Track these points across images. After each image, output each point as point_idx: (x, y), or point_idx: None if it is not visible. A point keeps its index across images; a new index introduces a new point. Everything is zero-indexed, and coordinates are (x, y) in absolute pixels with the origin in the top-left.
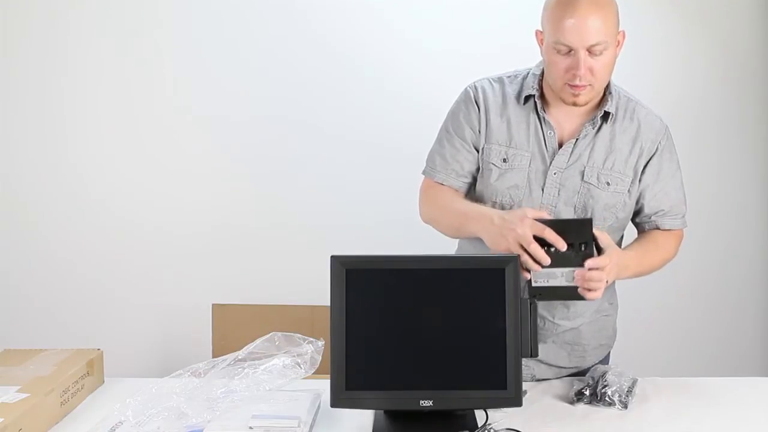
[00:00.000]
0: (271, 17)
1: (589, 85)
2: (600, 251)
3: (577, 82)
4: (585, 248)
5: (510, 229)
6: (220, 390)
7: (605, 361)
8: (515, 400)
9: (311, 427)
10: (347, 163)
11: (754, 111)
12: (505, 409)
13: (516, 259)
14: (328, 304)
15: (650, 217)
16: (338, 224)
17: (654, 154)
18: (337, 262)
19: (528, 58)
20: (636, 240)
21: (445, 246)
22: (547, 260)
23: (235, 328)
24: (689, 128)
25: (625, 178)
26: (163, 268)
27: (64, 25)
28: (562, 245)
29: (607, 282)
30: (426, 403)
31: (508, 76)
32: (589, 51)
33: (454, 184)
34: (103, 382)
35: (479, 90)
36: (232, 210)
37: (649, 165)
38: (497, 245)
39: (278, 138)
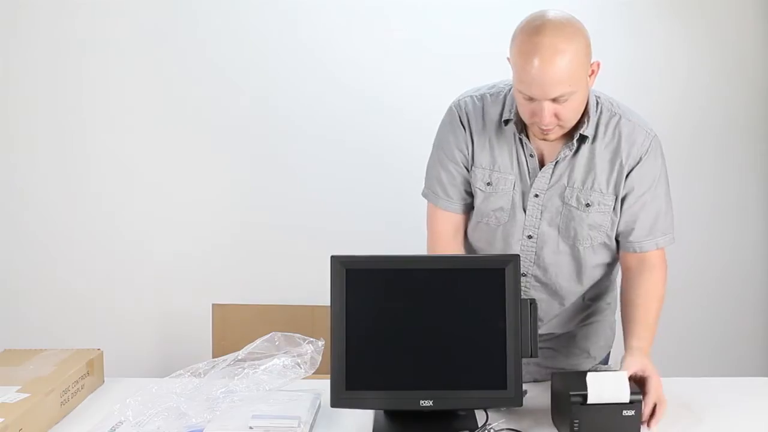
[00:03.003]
0: (276, 22)
1: (558, 126)
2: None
3: (543, 127)
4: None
5: None
6: (220, 390)
7: (605, 360)
8: (515, 400)
9: (311, 427)
10: (348, 164)
11: (754, 111)
12: (505, 409)
13: (517, 258)
14: (328, 304)
15: (627, 238)
16: (338, 224)
17: (633, 168)
18: (337, 262)
19: None
20: (635, 307)
21: None
22: None
23: (235, 328)
24: (688, 129)
25: (608, 197)
26: (163, 268)
27: (62, 28)
28: None
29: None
30: (426, 403)
31: (491, 94)
32: (554, 100)
33: (456, 209)
34: (103, 382)
35: (463, 110)
36: (233, 210)
37: (628, 179)
38: None
39: (278, 138)
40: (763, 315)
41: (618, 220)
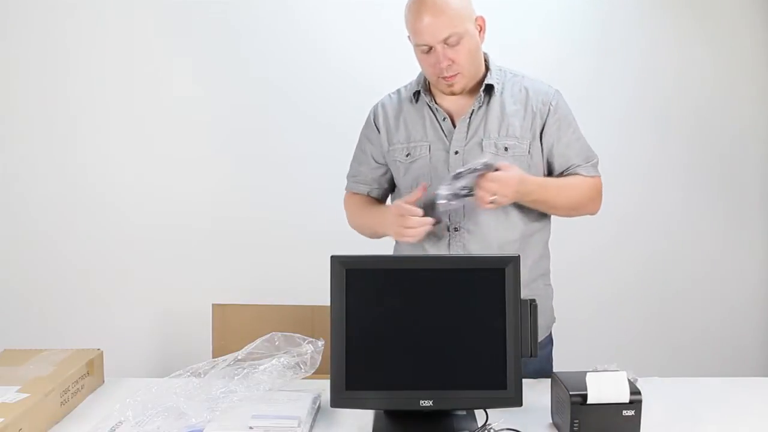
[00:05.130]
0: (276, 18)
1: (458, 73)
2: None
3: (445, 74)
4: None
5: (391, 215)
6: (220, 390)
7: (546, 342)
8: (515, 400)
9: (311, 427)
10: (348, 163)
11: (754, 110)
12: (505, 409)
13: (517, 258)
14: (328, 304)
15: (564, 173)
16: (338, 224)
17: (548, 115)
18: (337, 262)
19: (529, 58)
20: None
21: None
22: (419, 212)
23: (235, 328)
24: (688, 129)
25: (523, 141)
26: (163, 269)
27: (63, 26)
28: (418, 212)
29: (496, 197)
30: (426, 403)
31: (405, 86)
32: (446, 43)
33: (362, 190)
34: (103, 382)
35: (379, 108)
36: (233, 210)
37: (546, 126)
38: (396, 232)
39: (278, 138)
40: (763, 315)
41: (537, 163)
